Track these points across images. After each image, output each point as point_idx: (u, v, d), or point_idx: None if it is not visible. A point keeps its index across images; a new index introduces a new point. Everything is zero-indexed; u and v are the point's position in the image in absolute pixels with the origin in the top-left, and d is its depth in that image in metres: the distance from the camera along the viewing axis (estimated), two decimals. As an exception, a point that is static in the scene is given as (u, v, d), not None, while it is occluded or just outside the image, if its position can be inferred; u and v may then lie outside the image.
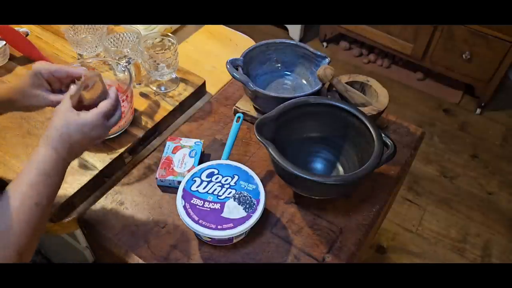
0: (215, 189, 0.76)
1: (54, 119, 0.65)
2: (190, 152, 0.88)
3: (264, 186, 0.79)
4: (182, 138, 0.91)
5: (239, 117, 0.89)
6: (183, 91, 1.03)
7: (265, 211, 0.80)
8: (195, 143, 0.89)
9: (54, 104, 0.73)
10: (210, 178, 0.78)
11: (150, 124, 0.95)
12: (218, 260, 0.75)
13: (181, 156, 0.87)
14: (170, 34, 0.98)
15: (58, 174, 0.64)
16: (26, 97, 0.72)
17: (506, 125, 2.17)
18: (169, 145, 0.89)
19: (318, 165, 0.89)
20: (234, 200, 0.74)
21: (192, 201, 0.74)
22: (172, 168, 0.85)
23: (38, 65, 0.72)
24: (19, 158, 0.87)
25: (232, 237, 0.73)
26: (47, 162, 0.62)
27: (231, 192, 0.76)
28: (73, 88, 0.68)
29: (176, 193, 0.76)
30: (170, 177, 0.84)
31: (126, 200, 0.84)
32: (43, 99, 0.73)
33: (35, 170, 0.61)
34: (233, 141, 0.86)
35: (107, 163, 0.88)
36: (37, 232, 0.60)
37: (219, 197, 0.75)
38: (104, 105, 0.68)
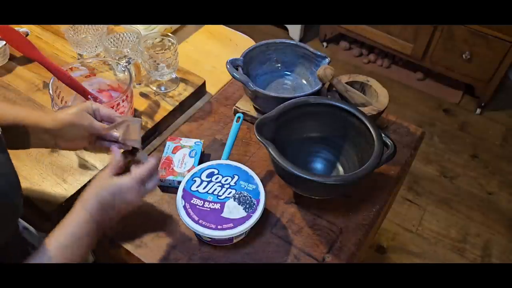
0: (215, 189, 0.76)
1: (93, 182, 0.66)
2: (190, 152, 0.88)
3: (264, 186, 0.79)
4: (182, 138, 0.91)
5: (239, 117, 0.89)
6: (183, 91, 1.03)
7: (265, 211, 0.80)
8: (195, 143, 0.89)
9: (101, 134, 0.74)
10: (210, 178, 0.78)
11: (150, 124, 0.96)
12: (218, 260, 0.75)
13: (181, 156, 0.87)
14: (170, 34, 0.98)
15: (89, 236, 0.63)
16: (75, 131, 0.72)
17: (506, 125, 2.17)
18: (169, 145, 0.89)
19: (318, 165, 0.89)
20: (234, 200, 0.74)
21: (192, 201, 0.74)
22: (172, 168, 0.85)
23: (88, 106, 0.73)
24: (19, 158, 0.87)
25: (232, 237, 0.73)
26: (80, 225, 0.62)
27: (231, 192, 0.76)
28: (117, 155, 0.71)
29: (176, 193, 0.76)
30: (170, 177, 0.84)
31: (126, 200, 0.84)
32: (95, 127, 0.73)
33: (68, 233, 0.61)
34: (233, 141, 0.86)
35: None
36: None
37: (219, 197, 0.75)
38: (140, 171, 0.69)
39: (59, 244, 0.60)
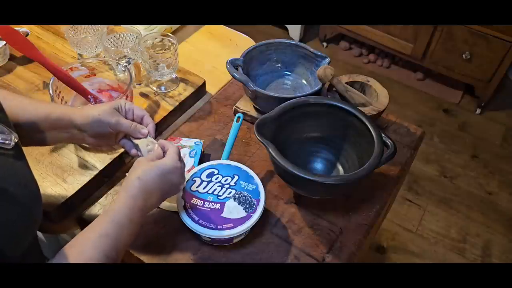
0: (215, 189, 0.76)
1: (134, 167, 0.66)
2: (190, 152, 0.88)
3: (264, 186, 0.79)
4: (182, 138, 0.91)
5: (239, 117, 0.89)
6: (183, 91, 1.03)
7: (265, 211, 0.80)
8: (195, 143, 0.89)
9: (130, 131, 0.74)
10: (210, 178, 0.77)
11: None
12: (218, 260, 0.75)
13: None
14: (170, 34, 0.98)
15: (132, 224, 0.62)
16: (104, 128, 0.72)
17: (506, 125, 2.17)
18: None
19: (318, 165, 0.89)
20: (234, 200, 0.74)
21: (192, 201, 0.74)
22: (172, 168, 0.85)
23: (120, 104, 0.73)
24: (19, 158, 0.87)
25: (232, 237, 0.73)
26: (122, 212, 0.62)
27: (231, 192, 0.76)
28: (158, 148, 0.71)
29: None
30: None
31: (126, 200, 0.84)
32: (122, 124, 0.73)
33: (110, 220, 0.61)
34: (233, 141, 0.86)
35: (107, 163, 0.88)
36: None
37: (219, 197, 0.75)
38: (173, 149, 0.69)
39: (102, 231, 0.59)
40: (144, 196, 0.64)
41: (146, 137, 0.74)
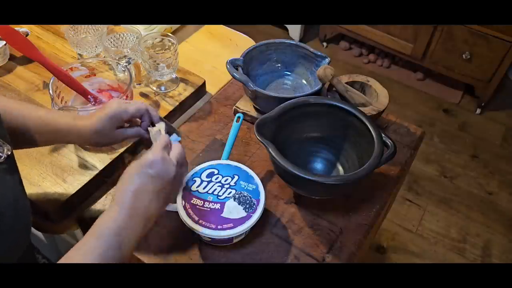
0: (215, 189, 0.76)
1: (124, 174, 0.63)
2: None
3: (264, 186, 0.79)
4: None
5: (239, 117, 0.89)
6: (183, 91, 1.03)
7: (265, 211, 0.80)
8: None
9: (130, 137, 0.75)
10: (210, 178, 0.77)
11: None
12: (218, 260, 0.75)
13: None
14: (170, 34, 0.98)
15: (118, 239, 0.58)
16: (103, 137, 0.72)
17: (506, 125, 2.17)
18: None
19: (318, 165, 0.89)
20: (234, 200, 0.74)
21: (192, 201, 0.74)
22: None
23: (116, 109, 0.71)
24: (19, 158, 0.87)
25: (232, 237, 0.73)
26: (104, 223, 0.58)
27: (231, 192, 0.76)
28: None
29: (176, 193, 0.76)
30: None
31: (126, 200, 0.84)
32: (121, 136, 0.74)
33: (91, 231, 0.58)
34: (233, 141, 0.86)
35: (107, 163, 0.88)
36: None
37: (219, 197, 0.75)
38: (160, 141, 0.66)
39: (89, 246, 0.56)
40: (133, 199, 0.60)
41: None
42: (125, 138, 0.77)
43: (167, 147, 0.66)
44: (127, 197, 0.60)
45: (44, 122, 0.71)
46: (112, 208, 0.60)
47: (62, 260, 0.55)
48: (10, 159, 0.57)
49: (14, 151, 0.60)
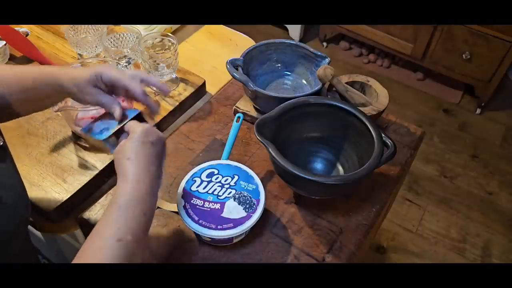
0: (215, 189, 0.76)
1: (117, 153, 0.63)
2: None
3: (264, 186, 0.79)
4: None
5: (239, 117, 0.89)
6: (183, 91, 1.03)
7: (265, 211, 0.80)
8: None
9: (104, 105, 0.69)
10: (210, 178, 0.77)
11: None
12: (218, 260, 0.75)
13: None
14: (170, 34, 0.98)
15: (137, 205, 0.58)
16: (80, 92, 0.68)
17: (506, 125, 2.17)
18: None
19: (318, 165, 0.89)
20: (234, 200, 0.74)
21: (192, 201, 0.74)
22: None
23: (102, 68, 0.68)
24: (19, 158, 0.87)
25: (232, 237, 0.73)
26: (120, 195, 0.58)
27: (231, 192, 0.76)
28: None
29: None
30: (170, 177, 0.84)
31: (126, 200, 0.84)
32: (96, 97, 0.69)
33: (111, 206, 0.57)
34: (233, 141, 0.86)
35: (107, 163, 0.88)
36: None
37: (219, 197, 0.75)
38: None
39: (106, 219, 0.56)
40: (134, 174, 0.60)
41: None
42: (96, 101, 0.69)
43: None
44: (138, 168, 0.60)
45: (28, 73, 0.68)
46: (125, 183, 0.60)
47: (93, 235, 0.55)
48: (2, 148, 0.57)
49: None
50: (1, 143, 0.57)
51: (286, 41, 1.00)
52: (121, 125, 0.68)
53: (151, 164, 0.62)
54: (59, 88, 0.67)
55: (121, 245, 0.54)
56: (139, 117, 0.70)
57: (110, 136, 0.68)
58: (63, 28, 1.02)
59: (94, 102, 0.69)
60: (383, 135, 0.78)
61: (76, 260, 0.53)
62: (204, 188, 0.76)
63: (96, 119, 0.71)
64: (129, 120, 0.69)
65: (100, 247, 0.53)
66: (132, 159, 0.61)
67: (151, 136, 0.63)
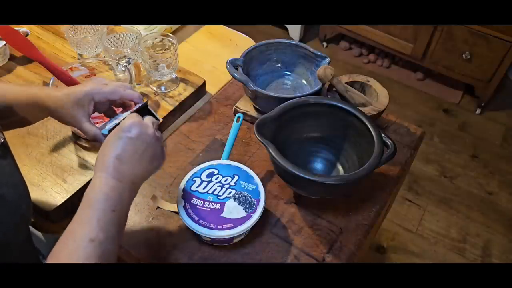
0: (215, 189, 0.76)
1: (103, 146, 0.62)
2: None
3: (264, 186, 0.79)
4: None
5: (239, 117, 0.89)
6: (183, 91, 1.03)
7: (265, 211, 0.80)
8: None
9: (84, 132, 0.69)
10: (210, 178, 0.77)
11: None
12: (218, 260, 0.75)
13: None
14: (170, 34, 0.98)
15: (105, 201, 0.57)
16: (62, 113, 0.68)
17: (506, 125, 2.17)
18: None
19: (318, 165, 0.89)
20: (234, 200, 0.74)
21: (192, 201, 0.74)
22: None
23: (93, 89, 0.68)
24: (19, 158, 0.87)
25: (232, 237, 0.73)
26: (94, 192, 0.57)
27: (231, 192, 0.76)
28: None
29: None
30: (170, 177, 0.84)
31: (126, 200, 0.84)
32: (77, 122, 0.68)
33: (82, 203, 0.57)
34: (233, 141, 0.86)
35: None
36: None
37: (219, 197, 0.75)
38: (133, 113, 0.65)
39: (78, 218, 0.56)
40: (111, 169, 0.59)
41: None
42: (81, 128, 0.69)
43: (139, 116, 0.66)
44: (111, 162, 0.59)
45: (25, 94, 0.69)
46: (98, 177, 0.59)
47: (63, 235, 0.55)
48: (2, 145, 0.58)
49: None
50: (2, 141, 0.57)
51: (286, 41, 1.00)
52: (124, 117, 0.68)
53: (122, 158, 0.60)
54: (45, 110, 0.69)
55: (95, 245, 0.54)
56: (145, 109, 0.71)
57: (112, 129, 0.67)
58: (63, 28, 1.02)
59: (75, 126, 0.70)
60: (383, 135, 0.78)
61: (50, 261, 0.53)
62: (204, 188, 0.76)
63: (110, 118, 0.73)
64: (132, 112, 0.69)
65: (73, 249, 0.53)
66: (103, 153, 0.61)
67: (133, 131, 0.61)
